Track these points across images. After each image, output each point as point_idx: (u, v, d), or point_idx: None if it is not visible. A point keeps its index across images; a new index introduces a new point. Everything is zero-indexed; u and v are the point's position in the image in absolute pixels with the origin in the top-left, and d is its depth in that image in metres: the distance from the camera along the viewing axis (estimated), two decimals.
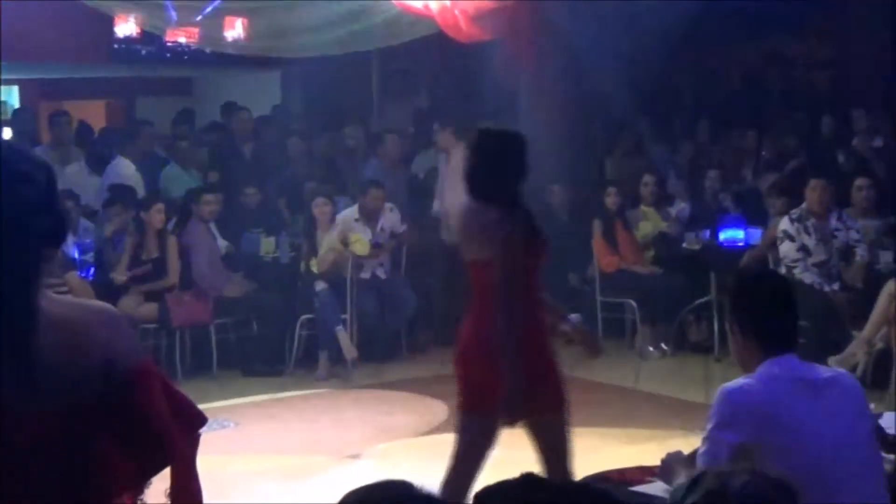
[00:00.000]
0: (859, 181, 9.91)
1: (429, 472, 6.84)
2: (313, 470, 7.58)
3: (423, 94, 13.94)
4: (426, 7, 10.50)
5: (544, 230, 5.18)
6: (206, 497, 2.37)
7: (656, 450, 5.43)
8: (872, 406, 3.98)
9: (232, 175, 11.39)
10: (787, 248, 9.35)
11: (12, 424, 2.10)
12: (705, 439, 3.55)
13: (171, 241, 9.94)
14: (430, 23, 10.64)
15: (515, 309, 4.85)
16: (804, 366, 3.63)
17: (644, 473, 4.40)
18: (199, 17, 10.53)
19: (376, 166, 11.42)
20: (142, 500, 2.26)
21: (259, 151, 11.94)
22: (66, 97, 14.04)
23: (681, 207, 11.40)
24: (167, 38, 11.09)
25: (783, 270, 9.04)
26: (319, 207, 10.25)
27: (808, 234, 9.34)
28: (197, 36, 10.82)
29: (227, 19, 10.60)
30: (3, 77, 11.29)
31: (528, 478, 2.16)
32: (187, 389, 2.57)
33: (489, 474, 4.44)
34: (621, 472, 5.11)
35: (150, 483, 2.26)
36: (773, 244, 9.65)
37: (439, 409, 8.78)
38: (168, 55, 12.37)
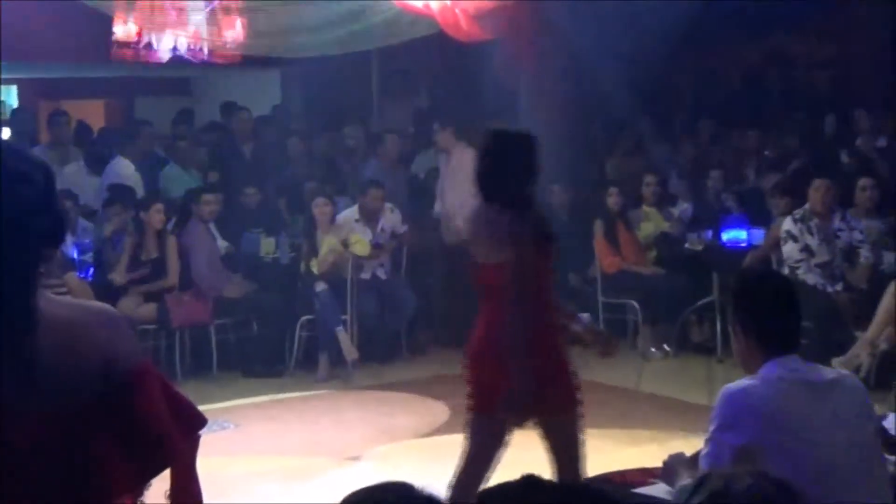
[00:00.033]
0: (862, 181, 9.88)
1: (430, 474, 6.83)
2: (313, 471, 7.55)
3: (423, 94, 13.92)
4: (426, 6, 10.49)
5: (554, 232, 5.18)
6: (206, 498, 2.37)
7: (658, 451, 5.42)
8: (876, 408, 3.95)
9: (232, 175, 11.38)
10: (790, 249, 9.33)
11: (11, 425, 2.10)
12: (707, 441, 3.54)
13: (171, 242, 9.91)
14: (430, 22, 10.63)
15: (527, 311, 4.85)
16: (807, 367, 3.62)
17: (646, 475, 4.41)
18: (198, 18, 10.51)
19: (376, 166, 11.40)
20: (142, 501, 2.26)
21: (259, 151, 11.92)
22: (64, 97, 14.03)
23: (683, 208, 11.37)
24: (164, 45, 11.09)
25: (786, 271, 9.03)
26: (319, 208, 10.22)
27: (812, 234, 9.32)
28: (196, 36, 10.78)
29: (227, 19, 10.57)
30: (2, 76, 11.27)
31: (528, 479, 2.15)
32: (187, 390, 2.58)
33: (499, 475, 4.43)
34: (623, 474, 5.09)
35: (150, 484, 2.26)
36: (776, 245, 9.63)
37: (440, 411, 8.78)
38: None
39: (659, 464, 4.07)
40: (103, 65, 12.07)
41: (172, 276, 9.90)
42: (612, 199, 10.81)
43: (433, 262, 11.14)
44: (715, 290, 9.98)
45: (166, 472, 2.29)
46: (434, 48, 12.12)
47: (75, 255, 9.86)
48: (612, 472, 5.34)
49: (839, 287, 9.25)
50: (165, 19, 10.60)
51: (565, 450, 5.03)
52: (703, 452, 3.55)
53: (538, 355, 4.87)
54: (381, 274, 10.52)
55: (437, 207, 10.95)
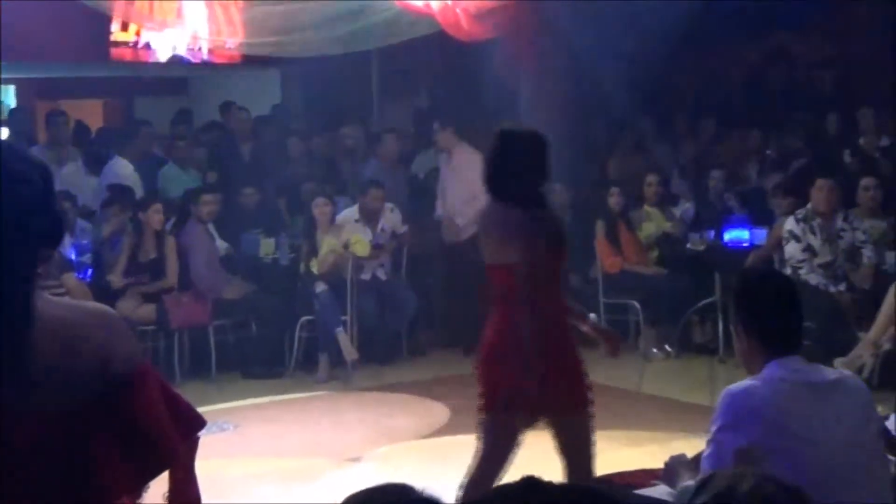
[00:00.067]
0: (865, 181, 9.85)
1: (430, 475, 6.85)
2: (313, 473, 7.54)
3: (423, 94, 13.90)
4: (427, 6, 10.48)
5: (567, 233, 5.20)
6: (204, 500, 2.38)
7: (659, 452, 5.40)
8: (879, 408, 3.93)
9: (231, 175, 11.37)
10: (792, 249, 9.30)
11: (9, 426, 2.09)
12: (709, 442, 3.54)
13: (170, 242, 9.89)
14: (430, 22, 10.61)
15: (540, 311, 4.87)
16: (809, 368, 3.61)
17: (647, 476, 4.41)
18: (197, 17, 10.48)
19: (376, 166, 11.37)
20: (140, 503, 2.26)
21: (258, 151, 11.89)
22: (62, 96, 14.02)
23: (685, 208, 11.34)
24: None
25: (788, 271, 9.00)
26: (319, 208, 10.19)
27: (814, 234, 9.29)
28: (195, 36, 10.76)
29: (226, 18, 10.54)
30: (1, 76, 11.24)
31: (528, 481, 2.12)
32: (186, 392, 2.58)
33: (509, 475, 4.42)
34: (624, 475, 5.08)
35: (149, 486, 2.26)
36: (778, 245, 9.61)
37: (440, 412, 8.79)
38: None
39: (660, 465, 4.07)
40: (102, 64, 12.06)
41: (171, 277, 9.87)
42: (614, 199, 10.77)
43: (433, 263, 11.13)
44: (717, 290, 9.94)
45: (165, 474, 2.29)
46: (434, 48, 12.11)
47: (73, 256, 9.84)
48: (614, 473, 5.33)
49: (842, 287, 9.22)
50: (164, 19, 10.56)
51: (576, 449, 5.05)
52: (705, 453, 3.55)
53: (550, 355, 4.89)
54: (381, 274, 10.49)
55: (439, 208, 10.92)
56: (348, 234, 10.21)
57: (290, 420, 8.86)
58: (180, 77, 14.37)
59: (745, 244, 10.38)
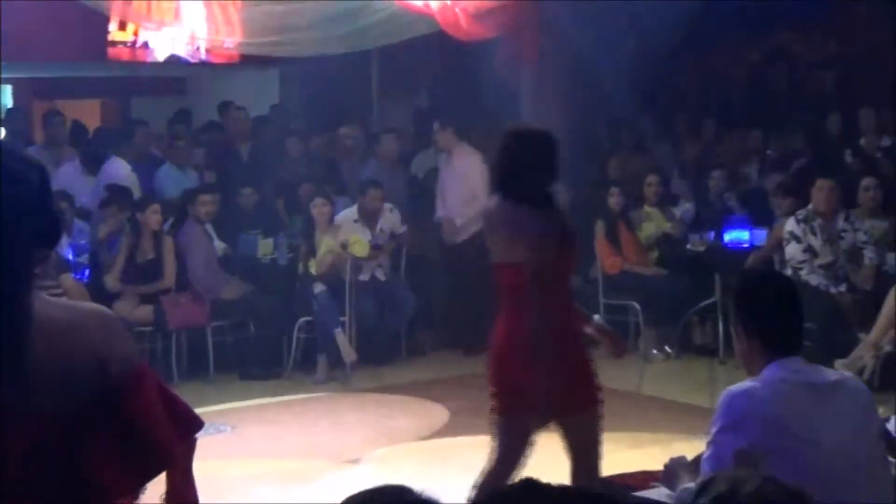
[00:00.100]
0: (866, 181, 9.83)
1: (429, 477, 6.83)
2: (312, 474, 7.53)
3: (423, 94, 13.88)
4: (426, 5, 10.47)
5: (576, 233, 5.23)
6: (202, 501, 2.38)
7: (660, 454, 5.38)
8: (880, 410, 3.91)
9: (229, 175, 11.35)
10: (793, 250, 9.28)
11: (6, 427, 2.08)
12: (710, 443, 3.53)
13: (167, 243, 9.87)
14: (430, 21, 10.60)
15: (549, 311, 4.86)
16: (810, 369, 3.61)
17: (647, 478, 4.39)
18: (196, 17, 10.45)
19: (375, 166, 11.35)
20: None
21: (256, 151, 11.87)
22: (60, 96, 13.99)
23: (685, 208, 11.32)
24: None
25: (789, 272, 8.98)
26: (318, 208, 10.17)
27: (815, 234, 9.26)
28: (193, 35, 10.72)
29: (224, 18, 10.51)
30: None
31: (527, 482, 2.13)
32: (183, 393, 2.58)
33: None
34: (624, 477, 5.06)
35: (146, 488, 2.24)
36: (778, 245, 9.58)
37: (440, 413, 8.79)
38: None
39: (660, 467, 4.06)
40: (99, 64, 12.02)
41: (169, 278, 9.85)
42: (614, 199, 10.74)
43: (433, 263, 11.10)
44: (717, 291, 9.92)
45: (162, 476, 2.28)
46: (434, 47, 12.10)
47: (71, 257, 9.83)
48: (614, 474, 5.30)
49: (842, 288, 9.21)
50: (162, 18, 10.53)
51: (585, 450, 5.07)
52: (705, 455, 3.54)
53: (560, 355, 4.89)
54: (380, 275, 10.46)
55: (438, 209, 10.89)
56: (347, 235, 10.19)
57: (288, 421, 8.84)
58: (178, 77, 14.33)
59: (745, 245, 10.36)
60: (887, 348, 8.48)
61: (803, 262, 9.22)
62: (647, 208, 11.02)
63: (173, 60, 11.46)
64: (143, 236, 9.82)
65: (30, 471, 2.10)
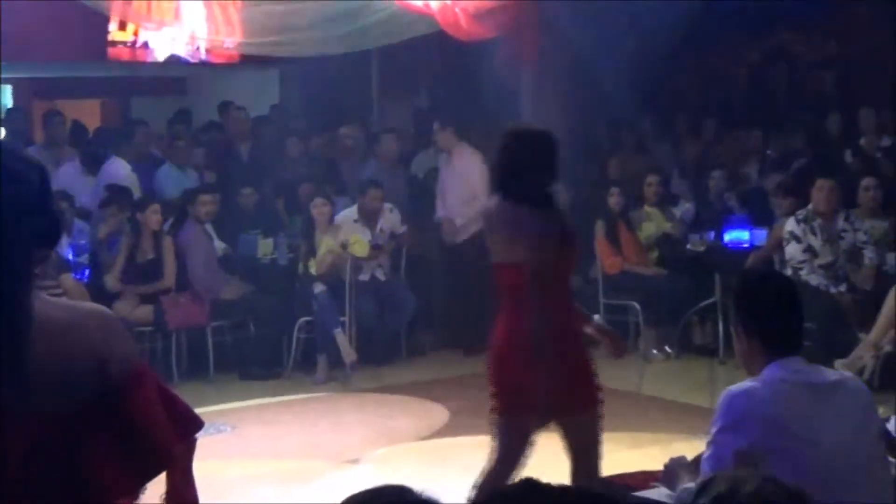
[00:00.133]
0: (866, 181, 9.83)
1: (429, 477, 6.82)
2: (312, 474, 7.52)
3: (423, 94, 13.88)
4: (426, 5, 10.47)
5: (576, 233, 5.23)
6: (202, 501, 2.38)
7: (660, 454, 5.37)
8: (880, 410, 3.91)
9: (229, 175, 11.34)
10: (793, 250, 9.28)
11: (6, 427, 2.08)
12: (709, 443, 3.53)
13: (167, 243, 9.86)
14: (430, 21, 10.60)
15: (550, 311, 4.87)
16: (810, 369, 3.61)
17: (647, 478, 4.38)
18: (196, 17, 10.45)
19: (375, 166, 11.35)
20: None
21: (256, 151, 11.86)
22: (60, 96, 13.99)
23: (685, 208, 11.31)
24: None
25: (789, 272, 8.97)
26: (318, 208, 10.16)
27: (815, 234, 9.26)
28: (193, 35, 10.72)
29: (224, 18, 10.50)
30: None
31: (527, 482, 2.13)
32: (183, 393, 2.58)
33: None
34: (624, 477, 5.05)
35: (146, 488, 2.24)
36: (778, 245, 9.58)
37: (439, 413, 8.78)
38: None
39: (660, 467, 4.05)
40: (99, 64, 12.02)
41: (169, 278, 9.84)
42: (614, 199, 10.73)
43: (433, 263, 11.09)
44: (717, 291, 9.91)
45: (162, 476, 2.28)
46: (434, 47, 12.10)
47: (71, 257, 9.82)
48: (614, 474, 5.30)
49: (843, 288, 9.20)
50: (162, 18, 10.53)
51: (585, 450, 5.07)
52: (705, 455, 3.54)
53: (560, 355, 4.89)
54: (380, 275, 10.45)
55: (438, 209, 10.88)
56: (347, 235, 10.18)
57: (288, 421, 8.83)
58: (178, 77, 14.33)
59: (745, 245, 10.35)
60: (887, 348, 8.48)
61: (803, 262, 9.22)
62: (647, 208, 11.02)
63: (173, 60, 11.45)
64: (143, 236, 9.82)
65: (30, 471, 2.10)
